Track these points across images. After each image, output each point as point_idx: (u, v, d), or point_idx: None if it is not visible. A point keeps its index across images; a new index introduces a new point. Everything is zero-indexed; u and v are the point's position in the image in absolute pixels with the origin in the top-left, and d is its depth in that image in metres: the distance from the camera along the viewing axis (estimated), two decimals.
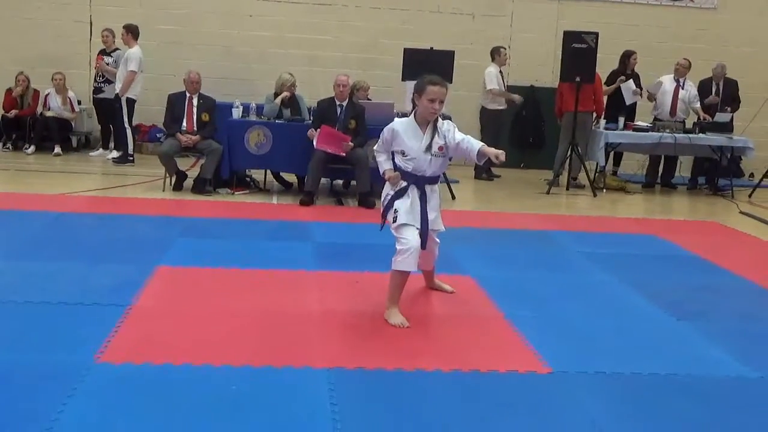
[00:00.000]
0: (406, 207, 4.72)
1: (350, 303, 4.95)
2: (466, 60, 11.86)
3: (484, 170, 11.56)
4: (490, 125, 11.75)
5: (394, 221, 4.71)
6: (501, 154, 4.57)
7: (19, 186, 8.93)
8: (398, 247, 4.67)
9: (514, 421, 3.36)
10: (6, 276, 5.15)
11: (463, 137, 4.72)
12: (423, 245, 4.73)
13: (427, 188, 4.77)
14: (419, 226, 4.70)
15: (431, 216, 4.76)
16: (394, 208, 4.74)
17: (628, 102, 11.45)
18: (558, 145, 11.16)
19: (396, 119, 4.90)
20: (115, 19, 11.63)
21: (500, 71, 11.76)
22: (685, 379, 3.96)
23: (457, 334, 4.50)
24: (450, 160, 4.89)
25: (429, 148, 4.66)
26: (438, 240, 5.02)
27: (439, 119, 4.73)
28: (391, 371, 3.83)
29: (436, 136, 4.68)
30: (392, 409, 3.41)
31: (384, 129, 4.80)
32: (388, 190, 4.83)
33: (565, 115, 10.92)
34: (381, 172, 4.85)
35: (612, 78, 11.52)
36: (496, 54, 11.76)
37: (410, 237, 4.65)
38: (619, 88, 11.42)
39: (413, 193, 4.73)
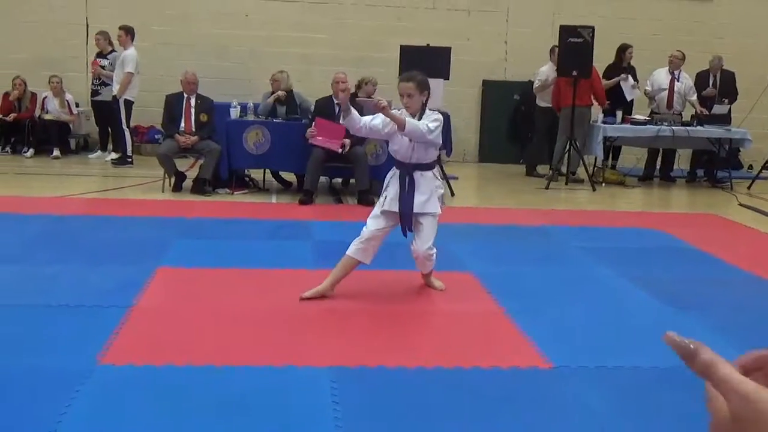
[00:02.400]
0: (392, 194, 4.96)
1: (351, 301, 4.95)
2: (462, 56, 11.87)
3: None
4: (541, 122, 11.67)
5: (381, 205, 4.99)
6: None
7: (18, 189, 8.94)
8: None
9: (517, 417, 3.37)
10: (7, 279, 5.16)
11: (423, 122, 4.87)
12: (408, 227, 4.97)
13: (416, 174, 4.96)
14: (405, 210, 4.92)
15: (421, 199, 4.94)
16: (384, 194, 5.00)
17: (628, 98, 11.47)
18: (556, 139, 11.17)
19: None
20: (111, 21, 11.62)
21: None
22: (687, 372, 3.93)
23: (458, 331, 4.51)
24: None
25: None
26: (432, 251, 5.05)
27: (428, 110, 4.94)
28: (393, 369, 3.83)
29: None
30: (394, 406, 3.42)
31: None
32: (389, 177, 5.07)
33: (563, 110, 10.92)
34: (374, 113, 4.96)
35: (609, 71, 11.52)
36: (551, 53, 11.48)
37: (369, 228, 4.95)
38: (619, 83, 11.41)
39: (401, 179, 4.94)
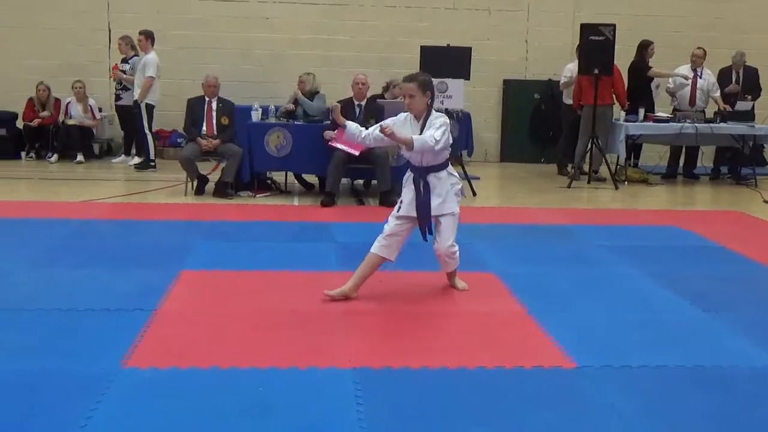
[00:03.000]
0: (408, 198, 4.97)
1: (374, 302, 4.95)
2: (483, 56, 11.85)
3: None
4: (567, 120, 11.62)
5: (397, 210, 4.99)
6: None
7: (43, 194, 9.02)
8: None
9: (541, 417, 3.36)
10: (32, 284, 5.20)
11: (429, 132, 4.82)
12: (428, 230, 4.96)
13: (431, 177, 4.94)
14: (422, 215, 4.91)
15: (437, 201, 4.93)
16: (401, 198, 5.02)
17: (656, 98, 11.45)
18: (578, 138, 11.10)
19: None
20: (133, 26, 11.68)
21: None
22: (712, 370, 3.94)
23: (481, 331, 4.50)
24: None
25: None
26: (454, 249, 5.04)
27: (434, 112, 4.94)
28: (417, 370, 3.83)
29: (425, 128, 4.87)
30: (418, 407, 3.42)
31: None
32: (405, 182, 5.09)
33: (585, 109, 10.86)
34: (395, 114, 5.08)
35: (633, 68, 11.44)
36: (577, 51, 11.53)
37: (390, 225, 4.97)
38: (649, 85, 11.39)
39: (416, 183, 4.94)
